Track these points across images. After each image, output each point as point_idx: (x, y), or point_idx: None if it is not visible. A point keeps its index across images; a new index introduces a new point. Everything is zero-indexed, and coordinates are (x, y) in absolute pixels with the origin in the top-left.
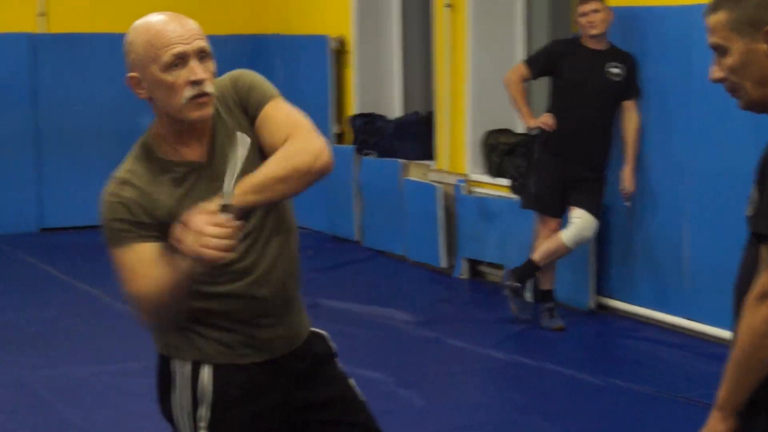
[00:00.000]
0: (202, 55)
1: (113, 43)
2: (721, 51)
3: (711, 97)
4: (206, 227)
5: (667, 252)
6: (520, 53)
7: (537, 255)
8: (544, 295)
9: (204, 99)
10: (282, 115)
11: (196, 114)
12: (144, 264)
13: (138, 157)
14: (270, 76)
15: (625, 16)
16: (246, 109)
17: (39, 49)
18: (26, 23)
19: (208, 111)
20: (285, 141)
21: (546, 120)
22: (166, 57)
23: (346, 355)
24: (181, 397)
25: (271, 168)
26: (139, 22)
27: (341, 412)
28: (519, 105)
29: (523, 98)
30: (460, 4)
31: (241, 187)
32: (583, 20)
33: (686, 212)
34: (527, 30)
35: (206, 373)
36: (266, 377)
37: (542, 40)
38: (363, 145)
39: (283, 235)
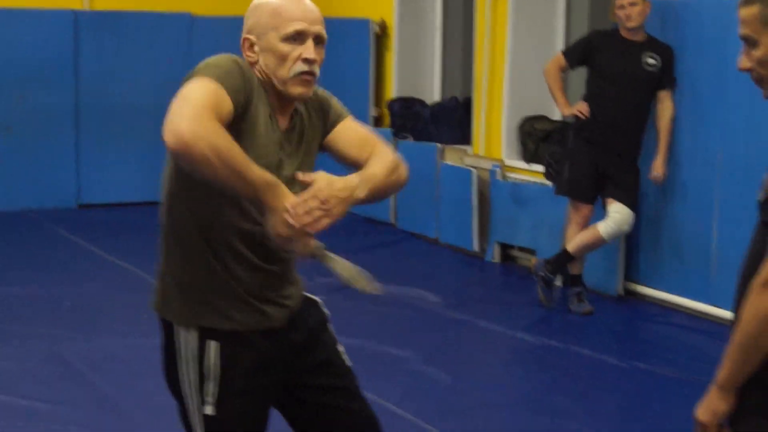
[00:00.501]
0: (318, 40)
1: (154, 21)
2: (750, 42)
3: (744, 90)
4: (329, 202)
5: (694, 240)
6: (559, 41)
7: (572, 246)
8: (573, 280)
9: (309, 77)
10: (363, 131)
11: (298, 90)
12: (215, 107)
13: (251, 74)
14: None
15: (662, 7)
16: (326, 116)
17: (82, 26)
18: (71, 0)
19: (309, 90)
20: (371, 155)
21: (581, 108)
22: (289, 29)
23: (377, 334)
24: (188, 370)
25: (382, 176)
26: None
27: (327, 377)
28: (556, 94)
29: (560, 87)
30: None
31: (363, 182)
32: (621, 12)
33: (715, 202)
34: (567, 18)
35: (213, 349)
36: (270, 350)
37: (582, 28)
38: (400, 129)
39: None
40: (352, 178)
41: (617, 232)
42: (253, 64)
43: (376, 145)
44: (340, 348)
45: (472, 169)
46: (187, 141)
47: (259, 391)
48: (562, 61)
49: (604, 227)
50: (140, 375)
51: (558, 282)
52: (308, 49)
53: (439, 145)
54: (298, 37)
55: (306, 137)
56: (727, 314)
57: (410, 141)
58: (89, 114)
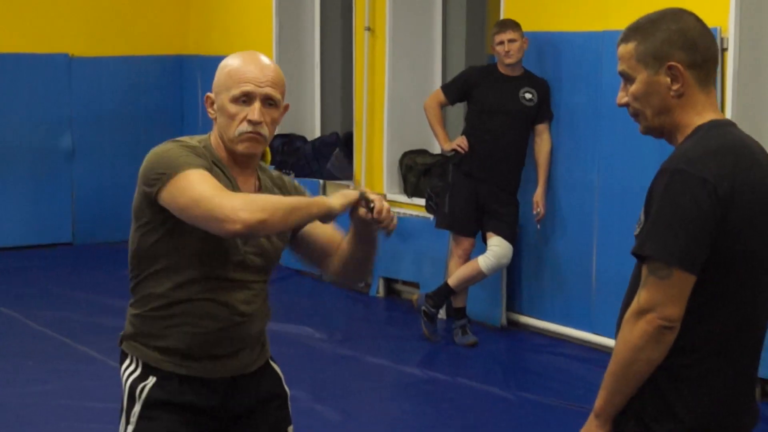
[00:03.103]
0: (269, 102)
1: (32, 62)
2: (627, 78)
3: (619, 120)
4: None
5: (575, 269)
6: (437, 75)
7: (453, 280)
8: (457, 312)
9: (255, 136)
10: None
11: (243, 147)
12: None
13: (203, 146)
14: (191, 96)
15: (539, 40)
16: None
17: None
18: None
19: (256, 148)
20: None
21: (461, 142)
22: (236, 91)
23: None
24: (123, 400)
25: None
26: (236, 53)
27: None
28: (436, 128)
29: (439, 122)
30: (380, 27)
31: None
32: (500, 48)
33: (594, 231)
34: (444, 53)
35: (150, 382)
36: (201, 393)
37: (458, 62)
38: (281, 166)
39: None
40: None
41: (497, 265)
42: (214, 120)
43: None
44: (290, 429)
45: None
46: (261, 220)
47: (177, 423)
48: (441, 96)
49: (483, 261)
50: (26, 424)
51: (441, 315)
52: (253, 111)
53: (321, 180)
54: (246, 99)
55: None
56: (608, 342)
57: (292, 178)
58: None
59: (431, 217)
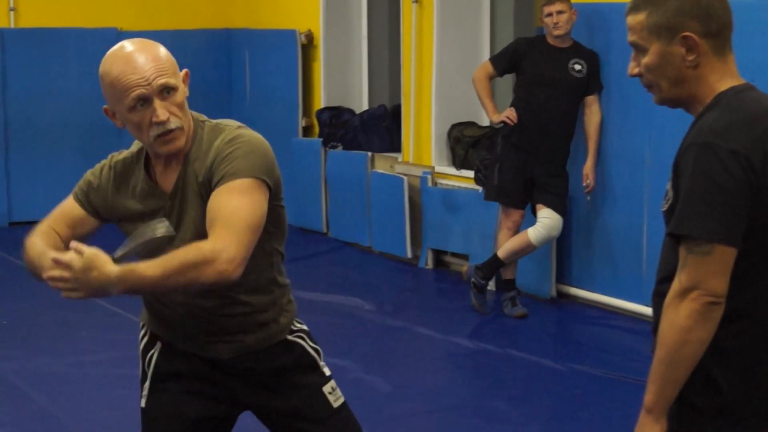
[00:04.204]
0: (166, 90)
1: (81, 37)
2: (639, 49)
3: None
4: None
5: (625, 241)
6: (485, 47)
7: (502, 252)
8: (506, 284)
9: (169, 136)
10: (221, 204)
11: (164, 149)
12: (58, 215)
13: (130, 156)
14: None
15: (589, 12)
16: (211, 176)
17: (8, 43)
18: None
19: (176, 145)
20: (210, 235)
21: (509, 114)
22: (128, 100)
23: None
24: (139, 368)
25: (157, 276)
26: (108, 53)
27: (297, 420)
28: (484, 101)
29: (488, 94)
30: None
31: (122, 281)
32: (548, 20)
33: (644, 203)
34: (492, 25)
35: (156, 349)
36: (206, 368)
37: (507, 35)
38: (329, 138)
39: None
40: (111, 272)
41: (547, 237)
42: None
43: (218, 228)
44: (327, 389)
45: (402, 176)
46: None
47: (184, 394)
48: (490, 68)
49: (533, 233)
50: (81, 393)
51: (491, 286)
52: (155, 112)
53: (369, 153)
54: (142, 103)
55: (156, 224)
56: None
57: (340, 150)
58: (18, 131)
59: (480, 189)
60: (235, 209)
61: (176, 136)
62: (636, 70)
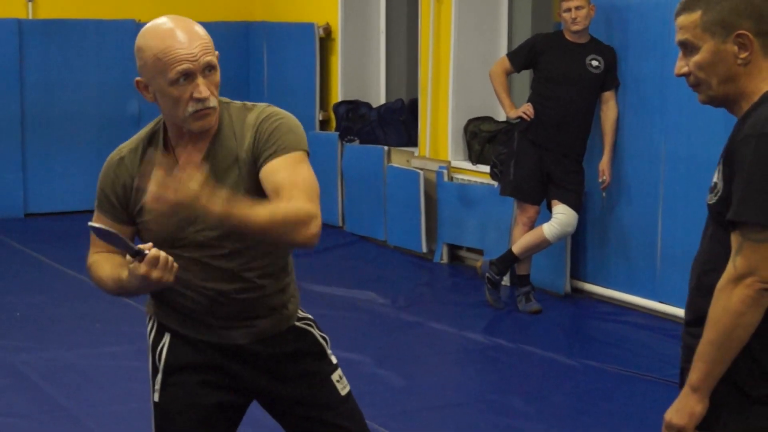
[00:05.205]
0: (208, 68)
1: (99, 29)
2: (690, 48)
3: (686, 88)
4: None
5: (640, 237)
6: (502, 42)
7: (517, 248)
8: (521, 280)
9: (204, 112)
10: (282, 179)
11: (197, 125)
12: (94, 240)
13: (142, 140)
14: (257, 64)
15: (607, 8)
16: (258, 152)
17: (26, 34)
18: (15, 9)
19: (210, 121)
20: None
21: (526, 110)
22: (173, 74)
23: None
24: (148, 360)
25: (264, 218)
26: (148, 27)
27: (306, 408)
28: (501, 96)
29: (505, 90)
30: None
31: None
32: (567, 15)
33: (659, 199)
34: (510, 20)
35: (166, 341)
36: (217, 357)
37: (525, 30)
38: (346, 132)
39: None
40: (218, 203)
41: (562, 233)
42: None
43: (294, 196)
44: (335, 377)
45: (419, 170)
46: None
47: (198, 385)
48: (507, 63)
49: (548, 229)
50: (94, 384)
51: (505, 282)
52: (197, 88)
53: (385, 147)
54: (186, 78)
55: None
56: (672, 310)
57: (357, 144)
58: (35, 123)
59: (496, 184)
60: (305, 179)
61: (210, 113)
62: (684, 69)
